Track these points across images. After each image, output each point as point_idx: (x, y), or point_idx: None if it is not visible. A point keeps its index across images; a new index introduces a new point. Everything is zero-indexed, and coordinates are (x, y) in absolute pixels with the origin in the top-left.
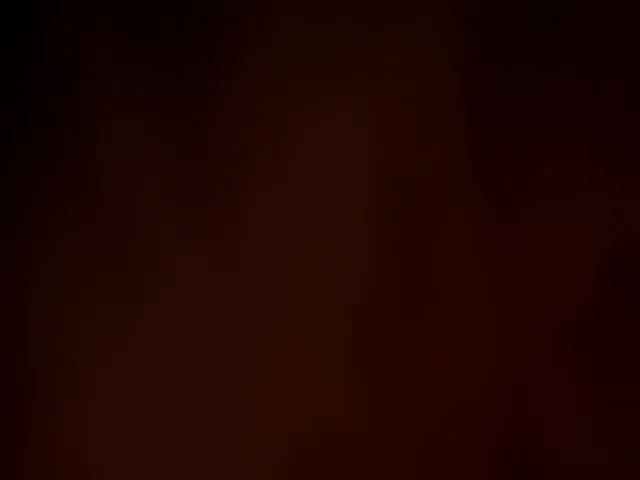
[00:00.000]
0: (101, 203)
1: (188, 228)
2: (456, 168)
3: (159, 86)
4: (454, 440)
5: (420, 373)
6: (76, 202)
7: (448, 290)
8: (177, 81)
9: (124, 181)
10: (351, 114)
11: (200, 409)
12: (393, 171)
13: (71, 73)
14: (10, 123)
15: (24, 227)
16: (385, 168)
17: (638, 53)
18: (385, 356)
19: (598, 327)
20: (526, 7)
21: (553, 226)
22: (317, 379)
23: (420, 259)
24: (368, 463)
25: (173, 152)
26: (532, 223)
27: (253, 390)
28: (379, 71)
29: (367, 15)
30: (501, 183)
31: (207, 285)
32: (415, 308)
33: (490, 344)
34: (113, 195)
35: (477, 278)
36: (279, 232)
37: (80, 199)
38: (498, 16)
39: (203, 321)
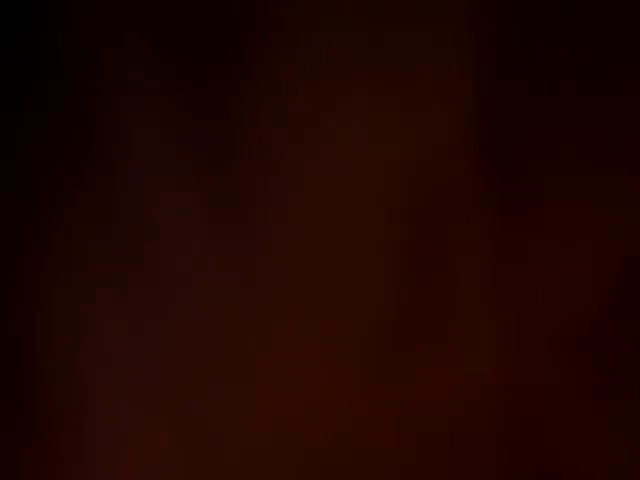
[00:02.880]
0: (117, 205)
1: (204, 230)
2: (464, 184)
3: (177, 90)
4: (461, 453)
5: (426, 384)
6: (91, 203)
7: (455, 303)
8: (196, 85)
9: (140, 184)
10: (366, 126)
11: (211, 411)
12: (401, 188)
13: (88, 75)
14: (25, 124)
15: (37, 228)
16: (397, 190)
17: None
18: (393, 366)
19: (602, 339)
20: (539, 22)
21: (559, 240)
22: (327, 385)
23: (428, 273)
24: (375, 471)
25: (190, 156)
26: (538, 238)
27: (263, 393)
28: (394, 83)
29: (381, 27)
30: (509, 199)
31: (223, 286)
32: (423, 320)
33: (497, 356)
34: (129, 197)
35: (484, 292)
36: (295, 238)
37: (95, 200)
38: (511, 30)
39: (218, 322)
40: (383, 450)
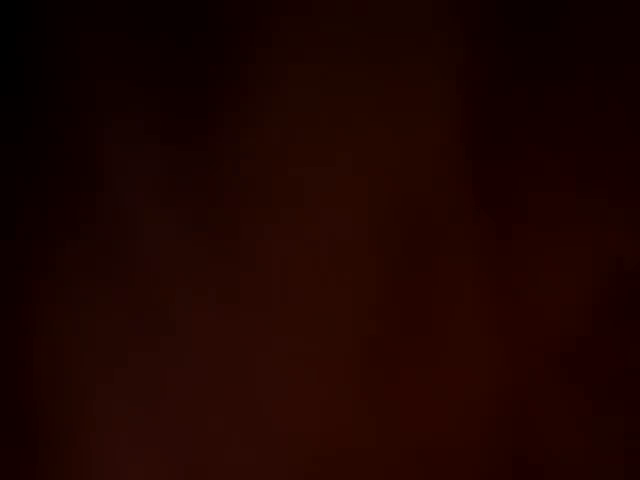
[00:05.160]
0: (115, 235)
1: (201, 258)
2: (458, 197)
3: (174, 112)
4: (458, 458)
5: (423, 393)
6: (89, 234)
7: (450, 312)
8: (192, 108)
9: (135, 212)
10: (355, 146)
11: (210, 413)
12: (397, 200)
13: (86, 98)
14: (20, 151)
15: (37, 261)
16: (389, 197)
17: None
18: (390, 375)
19: (597, 349)
20: (526, 37)
21: (552, 252)
22: (325, 397)
23: (423, 283)
24: (373, 472)
25: (187, 185)
26: (532, 250)
27: (260, 396)
28: (383, 103)
29: (371, 47)
30: (502, 211)
31: (217, 294)
32: (418, 329)
33: (492, 364)
34: (127, 227)
35: (478, 302)
36: (289, 256)
37: (93, 231)
38: (498, 47)
39: (216, 328)
40: (379, 451)
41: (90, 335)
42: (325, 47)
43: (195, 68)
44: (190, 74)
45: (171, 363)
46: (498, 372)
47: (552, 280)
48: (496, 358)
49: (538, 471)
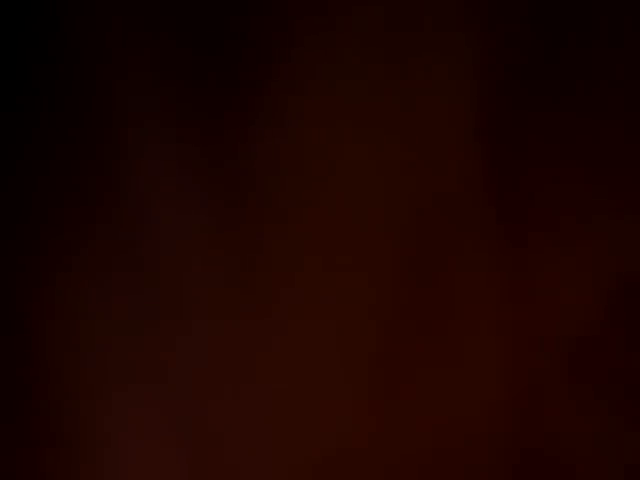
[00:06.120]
0: (131, 231)
1: (219, 257)
2: (467, 192)
3: (191, 111)
4: (468, 458)
5: (435, 394)
6: (105, 231)
7: (461, 313)
8: (209, 107)
9: (154, 212)
10: (373, 146)
11: (213, 412)
12: (413, 202)
13: (103, 97)
14: (40, 152)
15: (53, 257)
16: (405, 199)
17: None
18: (402, 376)
19: (606, 350)
20: (540, 39)
21: (563, 250)
22: (333, 397)
23: (434, 284)
24: (377, 472)
25: (205, 183)
26: (542, 248)
27: (265, 395)
28: (401, 104)
29: (389, 46)
30: (513, 209)
31: (228, 303)
32: (430, 330)
33: (503, 366)
34: (144, 224)
35: (489, 302)
36: (302, 253)
37: (109, 228)
38: (512, 48)
39: (220, 326)
40: (384, 450)
41: (103, 329)
42: (342, 47)
43: (214, 67)
44: (208, 73)
45: (181, 355)
46: (510, 374)
47: (565, 283)
48: (508, 359)
49: (546, 472)
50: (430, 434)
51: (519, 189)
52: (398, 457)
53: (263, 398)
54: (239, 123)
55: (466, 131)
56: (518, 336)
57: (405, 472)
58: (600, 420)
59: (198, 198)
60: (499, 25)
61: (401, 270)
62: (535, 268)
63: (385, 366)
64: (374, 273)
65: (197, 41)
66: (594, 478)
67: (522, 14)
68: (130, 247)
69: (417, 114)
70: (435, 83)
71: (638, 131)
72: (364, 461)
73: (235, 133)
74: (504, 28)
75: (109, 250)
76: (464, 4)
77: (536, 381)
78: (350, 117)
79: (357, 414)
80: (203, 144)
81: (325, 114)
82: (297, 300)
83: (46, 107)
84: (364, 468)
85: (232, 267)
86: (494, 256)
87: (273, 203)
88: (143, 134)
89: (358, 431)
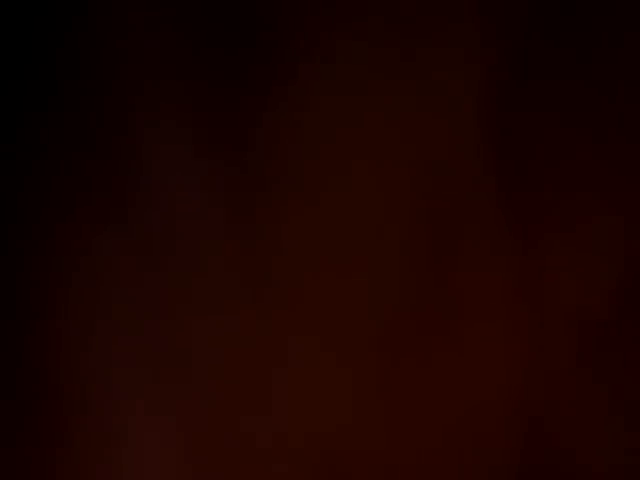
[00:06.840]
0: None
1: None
2: (481, 184)
3: (210, 110)
4: (472, 451)
5: (442, 391)
6: (119, 230)
7: (470, 313)
8: (227, 121)
9: (169, 212)
10: (385, 143)
11: (219, 411)
12: (421, 199)
13: (120, 105)
14: (57, 154)
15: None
16: (414, 197)
17: None
18: (409, 373)
19: (615, 344)
20: (550, 33)
21: (572, 246)
22: (338, 395)
23: (443, 283)
24: (385, 470)
25: (219, 182)
26: (551, 246)
27: (276, 392)
28: (412, 103)
29: (400, 46)
30: (521, 207)
31: (236, 288)
32: (437, 329)
33: (509, 359)
34: (159, 224)
35: (498, 301)
36: (314, 249)
37: (123, 228)
38: (522, 43)
39: (231, 323)
40: (393, 448)
41: (112, 329)
42: (355, 48)
43: (227, 68)
44: (222, 73)
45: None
46: (519, 374)
47: (574, 283)
48: (516, 359)
49: (555, 470)
50: (440, 434)
51: (527, 187)
52: (408, 455)
53: (265, 398)
54: (252, 122)
55: (473, 131)
56: (527, 336)
57: (415, 469)
58: (612, 418)
59: (211, 198)
60: (504, 25)
61: (410, 270)
62: (544, 267)
63: (393, 365)
64: (383, 273)
65: (210, 43)
66: (607, 478)
67: (528, 14)
68: (145, 246)
69: (423, 114)
70: (441, 83)
71: None
72: (367, 461)
73: (249, 132)
74: (510, 28)
75: (124, 249)
76: (470, 5)
77: (545, 380)
78: (363, 115)
79: (363, 413)
80: (216, 142)
81: (340, 113)
82: (306, 297)
83: (61, 107)
84: (369, 467)
85: (246, 266)
86: (503, 255)
87: (285, 201)
88: (157, 133)
89: (365, 429)
